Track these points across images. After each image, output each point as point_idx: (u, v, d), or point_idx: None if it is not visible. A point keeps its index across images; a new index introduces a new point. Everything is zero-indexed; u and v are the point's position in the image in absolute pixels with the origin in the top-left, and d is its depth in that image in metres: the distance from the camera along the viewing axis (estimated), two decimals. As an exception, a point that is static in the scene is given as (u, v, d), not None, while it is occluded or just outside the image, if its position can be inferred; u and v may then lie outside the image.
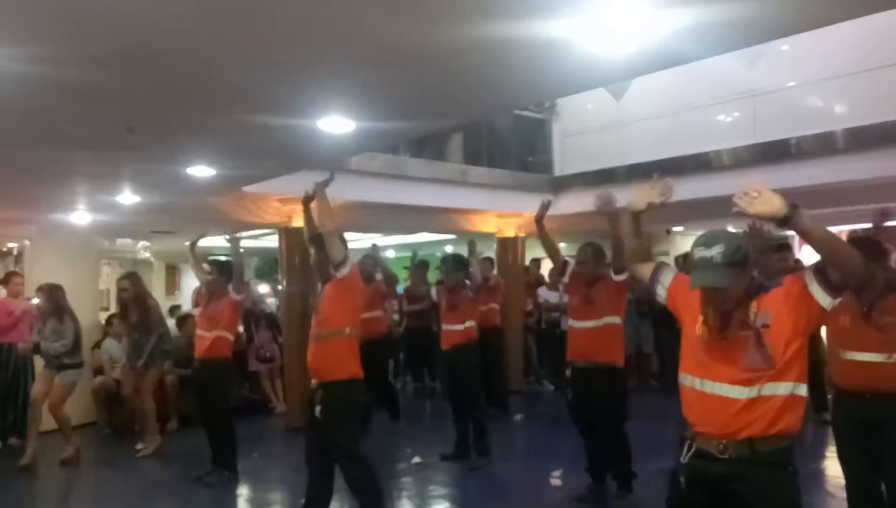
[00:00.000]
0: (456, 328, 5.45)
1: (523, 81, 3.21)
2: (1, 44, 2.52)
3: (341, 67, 2.91)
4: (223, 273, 5.15)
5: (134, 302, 6.08)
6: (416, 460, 5.63)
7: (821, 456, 5.11)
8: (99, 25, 2.38)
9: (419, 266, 9.01)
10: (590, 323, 4.36)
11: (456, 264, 5.64)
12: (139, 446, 6.06)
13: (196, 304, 6.73)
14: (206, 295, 5.26)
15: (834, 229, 8.39)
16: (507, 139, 9.26)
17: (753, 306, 2.16)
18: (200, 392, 5.25)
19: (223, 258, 5.79)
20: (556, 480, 5.02)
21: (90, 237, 7.59)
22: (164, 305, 11.57)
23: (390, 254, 14.72)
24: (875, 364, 3.10)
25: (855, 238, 3.45)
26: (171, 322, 8.09)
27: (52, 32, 2.44)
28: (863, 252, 3.15)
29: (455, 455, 5.56)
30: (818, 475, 4.79)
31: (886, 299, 3.15)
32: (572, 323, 4.53)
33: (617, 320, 4.37)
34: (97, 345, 7.26)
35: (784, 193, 6.74)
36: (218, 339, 4.99)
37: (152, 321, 6.11)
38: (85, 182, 5.44)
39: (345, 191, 7.01)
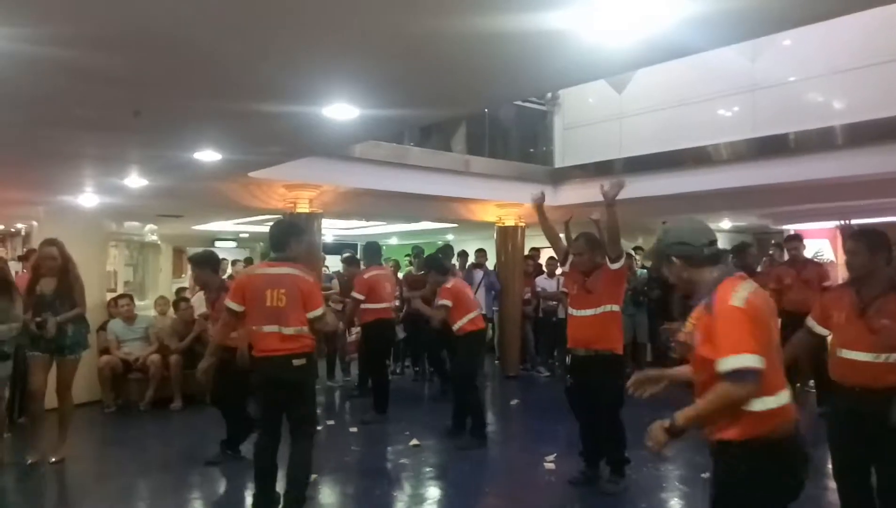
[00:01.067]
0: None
1: (526, 72, 3.23)
2: (8, 24, 2.54)
3: (347, 56, 2.97)
4: (203, 265, 5.17)
5: (59, 273, 5.06)
6: (414, 442, 5.74)
7: (821, 447, 5.17)
8: (107, 8, 2.40)
9: (419, 254, 9.14)
10: (589, 311, 4.45)
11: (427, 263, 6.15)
12: (50, 456, 5.12)
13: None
14: (205, 291, 5.36)
15: (830, 225, 8.44)
16: (509, 130, 9.34)
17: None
18: (221, 373, 5.29)
19: (198, 251, 5.83)
20: (549, 464, 5.13)
21: (98, 219, 7.66)
22: (171, 287, 11.73)
23: (393, 241, 14.85)
24: (864, 363, 3.10)
25: (859, 231, 3.44)
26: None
27: (59, 13, 2.45)
28: (866, 243, 3.22)
29: (450, 431, 5.82)
30: (819, 465, 4.83)
31: (884, 300, 3.12)
32: (572, 312, 4.61)
33: (615, 307, 4.46)
34: (102, 327, 7.39)
35: (782, 187, 6.87)
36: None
37: (77, 297, 5.09)
38: (92, 165, 5.48)
39: (349, 178, 7.15)
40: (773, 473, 2.18)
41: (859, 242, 3.24)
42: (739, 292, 2.20)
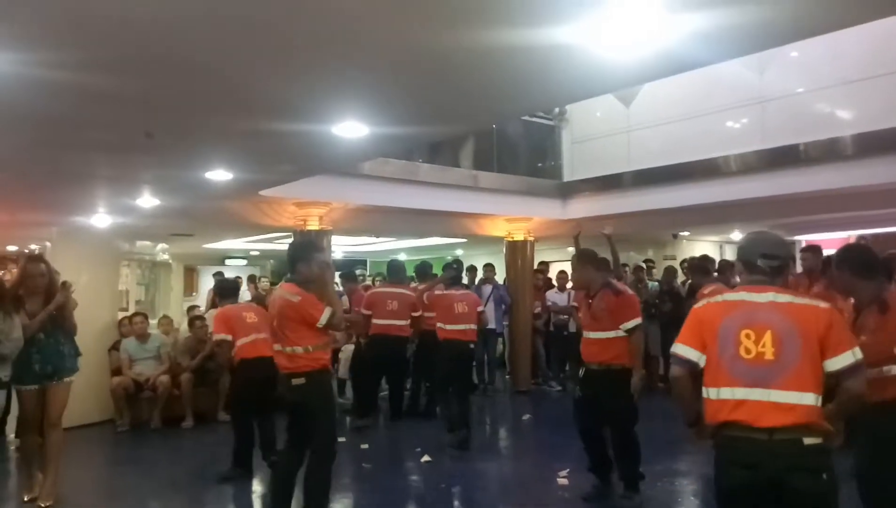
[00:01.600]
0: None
1: (535, 87, 3.26)
2: (22, 49, 2.58)
3: (356, 74, 3.00)
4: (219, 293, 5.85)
5: (47, 292, 4.60)
6: (426, 458, 5.72)
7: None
8: (118, 31, 2.43)
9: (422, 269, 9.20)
10: (599, 334, 4.44)
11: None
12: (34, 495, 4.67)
13: None
14: None
15: (842, 235, 8.41)
16: (518, 145, 9.38)
17: None
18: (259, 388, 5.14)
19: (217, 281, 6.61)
20: (563, 479, 5.08)
21: (110, 239, 7.73)
22: (182, 305, 11.76)
23: (402, 257, 14.89)
24: None
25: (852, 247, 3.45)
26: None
27: (72, 38, 2.49)
28: (853, 270, 3.18)
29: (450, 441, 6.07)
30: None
31: (867, 313, 3.12)
32: (584, 333, 4.62)
33: (622, 333, 4.38)
34: (115, 346, 7.42)
35: (792, 198, 6.90)
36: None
37: (70, 320, 4.71)
38: (105, 186, 5.54)
39: (358, 195, 7.19)
40: (717, 458, 2.43)
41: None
42: (709, 297, 2.62)
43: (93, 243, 7.42)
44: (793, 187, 6.94)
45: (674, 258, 10.63)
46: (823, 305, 2.42)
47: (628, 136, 8.57)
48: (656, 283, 9.13)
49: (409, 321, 6.91)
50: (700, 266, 6.39)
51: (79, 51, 2.63)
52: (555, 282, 9.64)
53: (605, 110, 8.71)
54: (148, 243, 10.00)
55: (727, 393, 2.34)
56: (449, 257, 12.04)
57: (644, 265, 9.40)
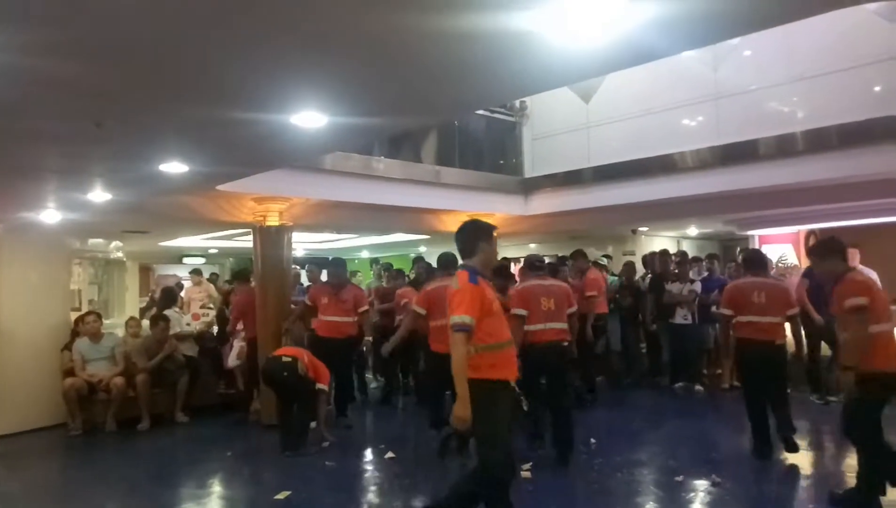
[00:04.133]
0: None
1: (495, 76, 3.24)
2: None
3: (314, 61, 2.95)
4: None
5: None
6: (389, 455, 5.69)
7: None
8: (69, 14, 2.35)
9: (387, 267, 9.17)
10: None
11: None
12: None
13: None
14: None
15: (792, 229, 8.66)
16: (479, 142, 9.40)
17: None
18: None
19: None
20: (525, 472, 5.11)
21: (60, 237, 7.48)
22: (138, 305, 11.43)
23: (364, 254, 14.79)
24: None
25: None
26: (144, 324, 8.06)
27: (19, 19, 2.39)
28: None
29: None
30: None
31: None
32: None
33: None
34: (67, 346, 7.19)
35: (746, 193, 7.28)
36: None
37: None
38: (54, 179, 5.31)
39: (319, 191, 7.10)
40: (530, 355, 5.09)
41: None
42: (519, 285, 5.54)
43: (42, 241, 7.18)
44: (746, 183, 7.11)
45: (633, 254, 10.79)
46: (565, 285, 5.71)
47: (588, 132, 8.67)
48: (616, 278, 9.25)
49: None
50: (500, 271, 6.16)
51: (24, 32, 2.51)
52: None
53: (565, 107, 8.80)
54: (101, 240, 9.71)
55: (539, 326, 5.16)
56: (412, 254, 12.02)
57: (604, 261, 9.53)
